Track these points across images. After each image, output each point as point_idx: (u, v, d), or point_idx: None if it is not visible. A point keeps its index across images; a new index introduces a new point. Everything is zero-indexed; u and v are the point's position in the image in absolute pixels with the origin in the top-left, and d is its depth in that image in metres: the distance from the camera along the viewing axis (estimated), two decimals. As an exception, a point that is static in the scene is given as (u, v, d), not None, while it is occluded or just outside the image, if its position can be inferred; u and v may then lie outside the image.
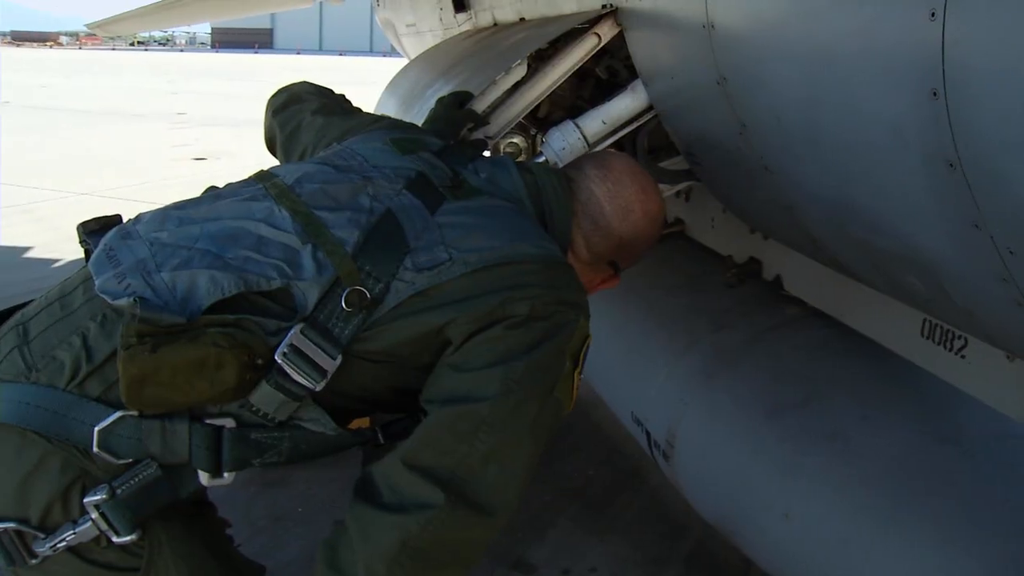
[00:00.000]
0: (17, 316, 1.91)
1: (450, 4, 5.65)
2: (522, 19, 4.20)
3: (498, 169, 2.14)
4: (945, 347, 2.40)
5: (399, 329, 1.79)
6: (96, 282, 1.75)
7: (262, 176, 2.04)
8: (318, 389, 1.77)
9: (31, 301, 1.97)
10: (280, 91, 2.65)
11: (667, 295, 3.87)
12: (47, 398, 1.73)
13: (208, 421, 1.76)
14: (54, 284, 1.97)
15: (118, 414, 1.72)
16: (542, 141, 3.15)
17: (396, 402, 1.95)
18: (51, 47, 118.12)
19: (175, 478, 1.79)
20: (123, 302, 1.69)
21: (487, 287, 1.80)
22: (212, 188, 2.08)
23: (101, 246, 1.84)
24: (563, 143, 2.91)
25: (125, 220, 1.98)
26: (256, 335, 1.73)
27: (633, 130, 3.00)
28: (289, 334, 1.74)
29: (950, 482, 2.39)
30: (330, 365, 1.76)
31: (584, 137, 2.92)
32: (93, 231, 1.96)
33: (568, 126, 2.94)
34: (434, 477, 1.73)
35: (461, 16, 5.58)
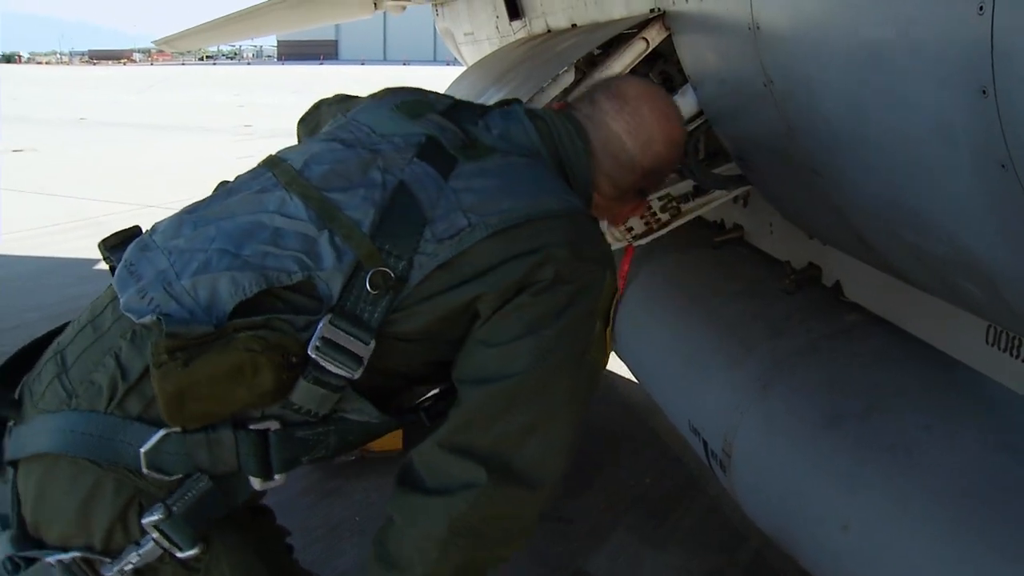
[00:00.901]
0: (54, 345, 1.91)
1: (505, 13, 5.67)
2: (574, 25, 4.18)
3: (511, 122, 2.04)
4: (1011, 354, 2.32)
5: (429, 309, 1.76)
6: (121, 300, 1.73)
7: (272, 163, 1.98)
8: (356, 377, 1.73)
9: (67, 325, 1.97)
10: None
11: (724, 302, 3.81)
12: (91, 423, 1.72)
13: (252, 426, 1.74)
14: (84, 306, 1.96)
15: (161, 433, 1.70)
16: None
17: (433, 375, 1.93)
18: (125, 64, 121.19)
19: (227, 487, 1.78)
20: (148, 319, 1.67)
21: (511, 250, 1.74)
22: (224, 183, 2.04)
23: (122, 262, 1.81)
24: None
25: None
26: (287, 333, 1.69)
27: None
28: (319, 327, 1.69)
29: (1018, 494, 2.30)
30: (364, 351, 1.72)
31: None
32: (115, 246, 1.93)
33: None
34: (475, 456, 1.72)
35: (516, 24, 5.60)
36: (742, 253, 4.12)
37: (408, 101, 2.07)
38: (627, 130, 2.10)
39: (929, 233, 1.85)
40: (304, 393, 1.72)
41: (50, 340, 1.97)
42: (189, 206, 1.95)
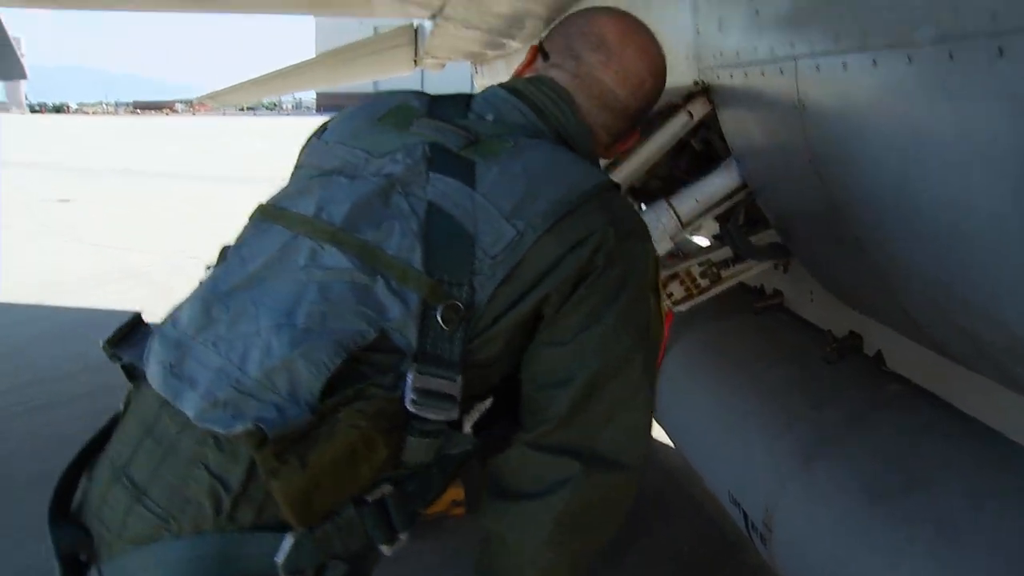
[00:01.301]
0: (106, 466, 1.72)
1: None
2: (615, 90, 4.21)
3: (500, 104, 1.94)
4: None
5: (503, 328, 1.69)
6: (186, 411, 1.57)
7: (272, 214, 1.80)
8: (456, 417, 1.66)
9: (98, 438, 1.83)
10: None
11: (765, 370, 3.78)
12: (207, 545, 1.58)
13: (369, 499, 1.64)
14: (111, 415, 1.83)
15: (291, 540, 1.57)
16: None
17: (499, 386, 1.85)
18: (167, 114, 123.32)
19: (358, 563, 1.71)
20: (239, 429, 1.50)
21: (563, 245, 1.67)
22: (226, 249, 1.87)
23: (158, 365, 1.65)
24: (657, 223, 2.89)
25: (146, 321, 1.83)
26: (381, 397, 1.59)
27: (728, 208, 2.97)
28: (408, 380, 1.60)
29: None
30: (456, 390, 1.63)
31: (678, 216, 2.91)
32: (121, 342, 1.80)
33: (661, 206, 2.93)
34: (564, 451, 1.71)
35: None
36: (783, 320, 4.11)
37: (390, 110, 1.94)
38: (617, 80, 2.04)
39: (981, 317, 1.84)
40: (414, 449, 1.64)
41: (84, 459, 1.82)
42: (205, 285, 1.76)
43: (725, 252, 3.47)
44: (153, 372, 1.66)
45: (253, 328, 1.61)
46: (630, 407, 1.75)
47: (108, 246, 13.68)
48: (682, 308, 3.67)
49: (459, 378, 1.63)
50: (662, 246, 3.11)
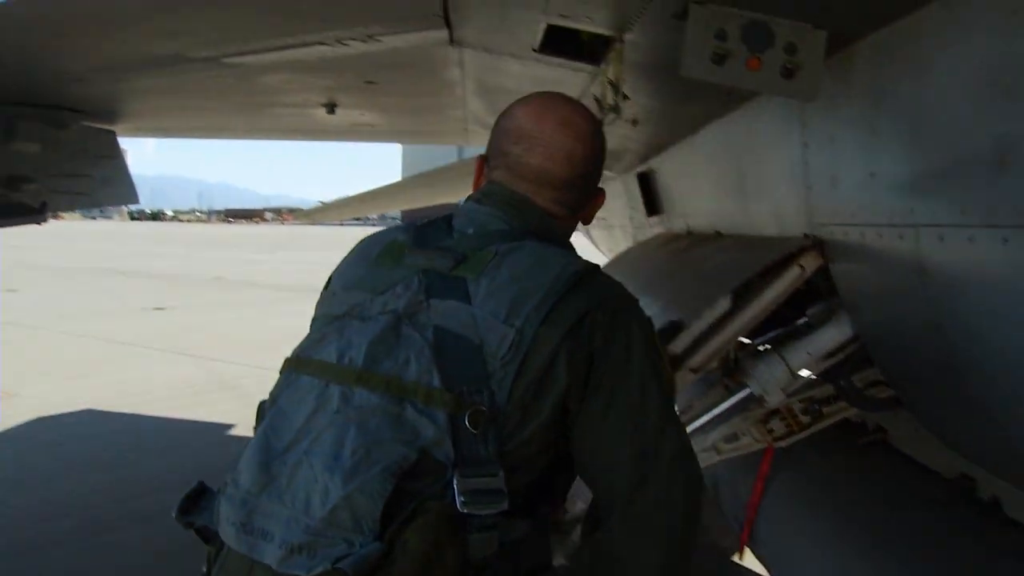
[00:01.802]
0: None
1: (641, 206, 5.80)
2: (718, 232, 4.26)
3: (476, 216, 2.07)
4: None
5: (536, 439, 1.81)
6: (267, 562, 1.71)
7: (302, 365, 1.93)
8: (507, 506, 1.75)
9: None
10: None
11: (870, 511, 3.71)
12: None
13: None
14: None
15: None
16: (741, 360, 3.15)
17: None
18: (257, 223, 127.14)
19: None
20: (320, 569, 1.64)
21: (559, 332, 1.80)
22: (263, 405, 2.00)
23: (230, 526, 1.79)
24: (769, 376, 2.92)
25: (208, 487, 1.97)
26: (435, 508, 1.69)
27: (839, 360, 2.98)
28: (454, 486, 1.71)
29: None
30: (499, 483, 1.74)
31: (790, 369, 2.92)
32: (190, 508, 1.94)
33: (774, 359, 2.95)
34: (640, 532, 1.84)
35: (653, 219, 5.72)
36: (887, 457, 4.04)
37: (383, 249, 2.06)
38: (545, 159, 2.09)
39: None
40: (478, 545, 1.74)
41: None
42: (258, 445, 1.85)
43: (827, 390, 3.46)
44: (226, 532, 1.79)
45: (310, 476, 1.73)
46: (680, 464, 1.89)
47: (201, 356, 14.00)
48: (782, 444, 3.66)
49: (500, 472, 1.75)
50: (774, 398, 3.12)
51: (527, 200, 2.09)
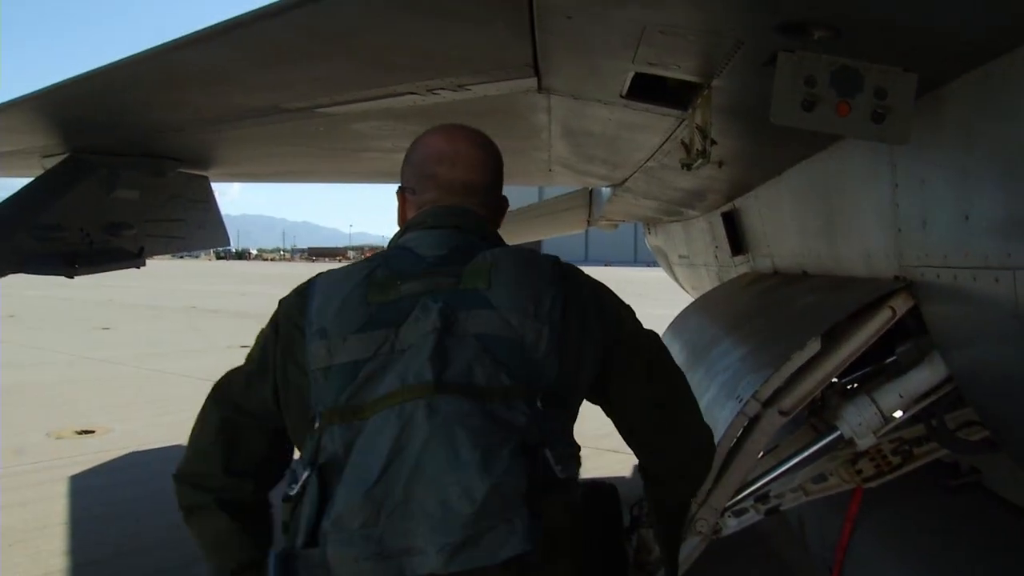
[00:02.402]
0: None
1: (727, 244, 5.79)
2: (804, 272, 4.25)
3: (442, 240, 2.24)
4: None
5: (576, 406, 2.17)
6: (439, 571, 1.77)
7: (367, 409, 1.93)
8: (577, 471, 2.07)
9: None
10: None
11: (962, 558, 3.63)
12: None
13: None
14: None
15: None
16: (828, 400, 3.13)
17: None
18: (340, 261, 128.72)
19: None
20: (508, 554, 1.78)
21: (574, 318, 2.13)
22: (324, 468, 1.92)
23: (367, 561, 1.80)
24: (859, 418, 2.90)
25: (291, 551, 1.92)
26: (549, 479, 1.91)
27: (931, 402, 2.95)
28: (550, 458, 1.94)
29: None
30: (575, 449, 2.08)
31: (880, 412, 2.90)
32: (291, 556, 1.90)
33: (864, 401, 2.93)
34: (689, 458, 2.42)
35: (738, 258, 5.70)
36: (980, 500, 3.95)
37: (366, 289, 2.11)
38: (467, 172, 2.39)
39: None
40: (575, 499, 2.05)
41: None
42: (348, 489, 1.85)
43: (918, 430, 3.41)
44: (358, 570, 1.80)
45: (435, 483, 1.80)
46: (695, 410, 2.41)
47: (288, 394, 14.18)
48: (871, 485, 3.61)
49: (574, 441, 2.08)
50: (865, 441, 3.09)
51: (469, 211, 2.36)
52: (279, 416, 2.18)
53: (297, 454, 2.05)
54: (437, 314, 2.00)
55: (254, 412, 2.25)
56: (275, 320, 2.24)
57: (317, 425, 1.97)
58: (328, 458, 1.92)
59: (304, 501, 1.91)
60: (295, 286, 2.24)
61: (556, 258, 2.29)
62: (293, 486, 1.96)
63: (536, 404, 1.95)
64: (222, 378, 2.39)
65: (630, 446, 2.42)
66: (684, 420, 2.37)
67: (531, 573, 1.82)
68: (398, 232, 2.40)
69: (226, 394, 2.34)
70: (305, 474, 1.92)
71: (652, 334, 2.39)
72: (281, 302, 2.26)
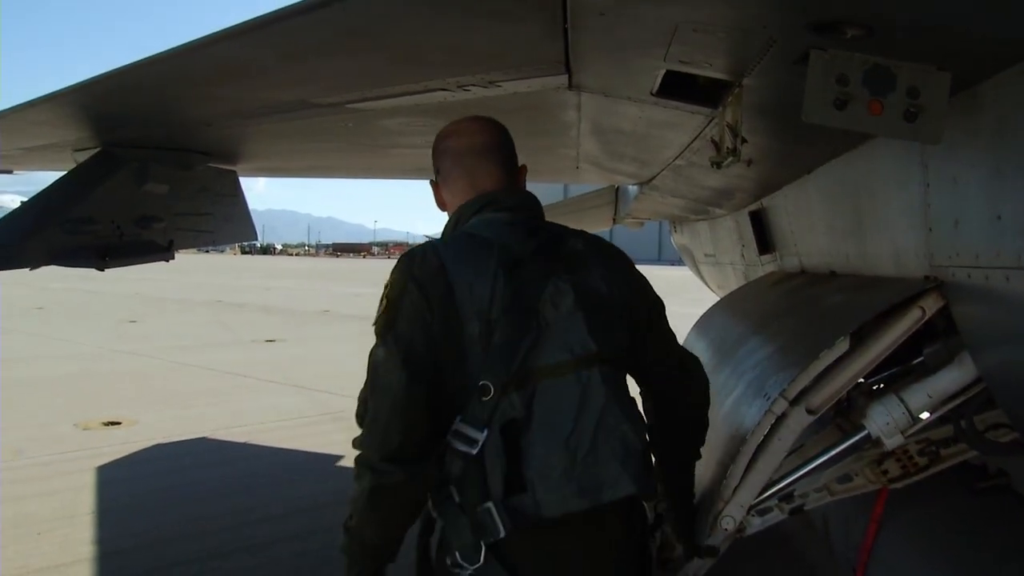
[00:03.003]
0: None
1: (753, 243, 5.77)
2: (832, 272, 4.23)
3: (528, 224, 2.66)
4: None
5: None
6: (633, 491, 2.46)
7: (540, 374, 2.41)
8: None
9: None
10: None
11: (988, 562, 3.60)
12: None
13: None
14: None
15: None
16: (855, 401, 3.11)
17: None
18: (364, 257, 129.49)
19: None
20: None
21: (642, 296, 2.80)
22: (514, 424, 2.38)
23: (574, 496, 2.37)
24: (887, 418, 2.89)
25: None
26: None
27: (960, 403, 2.93)
28: None
29: None
30: None
31: (909, 412, 2.89)
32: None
33: (892, 400, 2.92)
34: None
35: (765, 257, 5.68)
36: (1008, 503, 3.92)
37: (509, 264, 2.49)
38: (495, 151, 2.81)
39: None
40: None
41: None
42: (545, 442, 2.38)
43: (945, 431, 3.39)
44: (565, 504, 2.35)
45: (617, 432, 2.45)
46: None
47: (311, 388, 14.28)
48: (897, 485, 3.59)
49: None
50: (893, 441, 3.08)
51: (520, 190, 2.81)
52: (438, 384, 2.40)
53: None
54: (572, 295, 2.48)
55: (424, 381, 2.40)
56: (421, 292, 2.43)
57: (492, 393, 2.34)
58: (508, 419, 2.35)
59: (488, 456, 2.33)
60: (414, 256, 2.52)
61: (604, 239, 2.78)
62: (466, 445, 2.35)
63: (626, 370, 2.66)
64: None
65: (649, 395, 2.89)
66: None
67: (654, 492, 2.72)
68: (467, 211, 2.70)
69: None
70: (484, 434, 2.34)
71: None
72: (412, 275, 2.47)
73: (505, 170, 2.77)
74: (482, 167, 2.74)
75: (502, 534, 2.30)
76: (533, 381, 2.37)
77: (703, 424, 2.91)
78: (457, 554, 2.38)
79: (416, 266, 2.47)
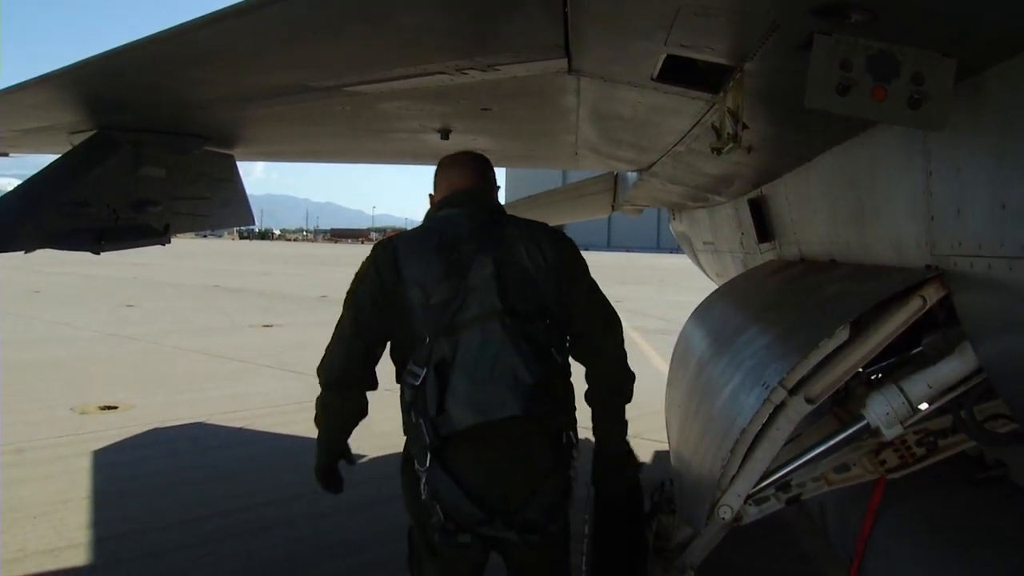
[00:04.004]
0: None
1: (752, 231, 5.74)
2: (833, 260, 4.21)
3: (480, 219, 3.54)
4: None
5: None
6: (518, 412, 3.20)
7: (460, 329, 3.22)
8: None
9: None
10: None
11: (986, 554, 3.57)
12: None
13: None
14: None
15: None
16: (854, 390, 3.09)
17: None
18: (363, 243, 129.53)
19: None
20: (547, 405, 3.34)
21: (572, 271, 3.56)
22: (441, 364, 3.23)
23: (471, 410, 3.17)
24: (886, 408, 2.87)
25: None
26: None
27: (960, 393, 2.91)
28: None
29: None
30: None
31: (908, 402, 2.87)
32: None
33: (891, 390, 2.90)
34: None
35: (764, 245, 5.66)
36: (1006, 494, 3.90)
37: (442, 248, 3.40)
38: (471, 175, 3.70)
39: None
40: None
41: None
42: (459, 374, 3.20)
43: (943, 421, 3.38)
44: (469, 417, 3.14)
45: (508, 365, 3.17)
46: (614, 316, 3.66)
47: (307, 373, 14.18)
48: (895, 476, 3.57)
49: (565, 344, 3.59)
50: (892, 431, 3.06)
51: (483, 191, 3.68)
52: (380, 336, 3.47)
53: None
54: (492, 267, 3.27)
55: (370, 339, 3.47)
56: (376, 270, 3.43)
57: (428, 341, 3.23)
58: (439, 360, 3.20)
59: (427, 387, 3.19)
60: (378, 246, 3.51)
61: (549, 226, 3.62)
62: (414, 379, 3.25)
63: (546, 323, 3.33)
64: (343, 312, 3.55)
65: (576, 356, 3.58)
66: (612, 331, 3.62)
67: (545, 417, 3.24)
68: (435, 208, 3.66)
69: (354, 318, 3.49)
70: (424, 371, 3.22)
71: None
72: (374, 259, 3.46)
73: (475, 178, 3.68)
74: (457, 172, 3.70)
75: (429, 442, 3.17)
76: (458, 331, 3.20)
77: (619, 377, 3.61)
78: (415, 460, 3.29)
79: (378, 253, 3.47)
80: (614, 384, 3.61)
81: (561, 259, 3.44)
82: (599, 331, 3.56)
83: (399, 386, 3.39)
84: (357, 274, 3.51)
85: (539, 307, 3.32)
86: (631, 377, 3.62)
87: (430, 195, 3.77)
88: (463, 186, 3.62)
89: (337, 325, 3.55)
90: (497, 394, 3.12)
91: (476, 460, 3.21)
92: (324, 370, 3.53)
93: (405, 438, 3.41)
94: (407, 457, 3.43)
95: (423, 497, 3.26)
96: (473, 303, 3.21)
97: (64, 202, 4.75)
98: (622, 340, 3.61)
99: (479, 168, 3.72)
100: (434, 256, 3.33)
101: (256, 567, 6.21)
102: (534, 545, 3.27)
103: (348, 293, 3.50)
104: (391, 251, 3.41)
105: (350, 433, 3.64)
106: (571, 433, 3.39)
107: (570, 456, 3.37)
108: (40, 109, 4.65)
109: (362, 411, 3.53)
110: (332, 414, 3.57)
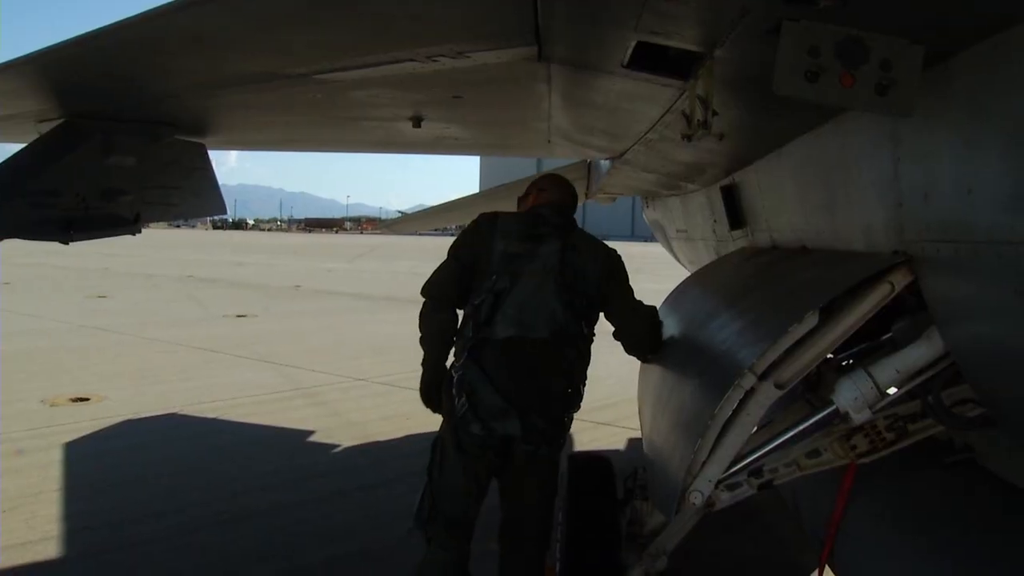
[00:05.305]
0: None
1: (725, 218, 5.76)
2: (803, 247, 4.23)
3: (550, 220, 4.51)
4: None
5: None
6: (546, 337, 4.23)
7: (520, 273, 4.23)
8: None
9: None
10: None
11: (956, 535, 3.60)
12: None
13: None
14: None
15: None
16: (824, 376, 3.10)
17: None
18: (336, 232, 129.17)
19: None
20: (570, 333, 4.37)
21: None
22: (498, 293, 4.24)
23: (513, 327, 4.17)
24: (855, 393, 2.89)
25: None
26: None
27: (928, 378, 2.94)
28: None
29: None
30: None
31: (877, 387, 2.88)
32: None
33: (860, 375, 2.92)
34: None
35: (737, 232, 5.68)
36: (974, 477, 3.94)
37: (519, 234, 4.44)
38: (554, 191, 4.75)
39: None
40: None
41: None
42: (509, 303, 4.28)
43: (913, 406, 3.40)
44: (512, 331, 4.14)
45: (547, 304, 4.17)
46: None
47: (282, 363, 14.23)
48: (865, 460, 3.60)
49: (595, 317, 4.57)
50: (861, 416, 3.08)
51: (565, 205, 4.68)
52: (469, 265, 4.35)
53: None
54: (559, 246, 4.28)
55: (464, 265, 4.38)
56: (478, 225, 4.44)
57: (495, 277, 4.19)
58: (500, 289, 4.17)
59: (484, 304, 4.15)
60: (486, 214, 4.49)
61: (603, 242, 4.52)
62: (476, 299, 4.20)
63: (584, 302, 4.25)
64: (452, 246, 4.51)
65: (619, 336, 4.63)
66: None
67: (566, 352, 4.21)
68: (534, 205, 4.66)
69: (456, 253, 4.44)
70: (485, 296, 4.17)
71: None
72: (479, 220, 4.47)
73: (562, 194, 4.72)
74: (551, 183, 4.80)
75: (471, 340, 4.14)
76: (521, 276, 4.19)
77: (649, 342, 4.73)
78: (456, 361, 4.22)
79: (483, 217, 4.46)
80: (640, 342, 4.73)
81: (608, 265, 4.40)
82: (628, 317, 4.54)
83: (463, 312, 4.38)
84: (463, 230, 4.69)
85: (582, 290, 4.27)
86: (655, 349, 4.78)
87: (519, 198, 4.90)
88: (556, 197, 4.65)
89: (443, 261, 4.47)
90: (536, 320, 4.13)
91: (505, 364, 4.11)
92: (429, 285, 4.42)
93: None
94: (450, 367, 4.34)
95: (454, 391, 4.15)
96: (538, 262, 4.22)
97: (32, 191, 4.71)
98: (651, 325, 4.69)
99: (565, 187, 4.79)
100: (523, 226, 4.39)
101: (232, 557, 6.20)
102: (531, 448, 4.13)
103: (455, 240, 4.55)
104: (493, 216, 4.45)
105: (447, 356, 4.43)
106: (580, 387, 4.32)
107: (574, 403, 4.30)
108: (5, 97, 4.60)
109: (452, 325, 4.38)
110: (433, 329, 4.41)
